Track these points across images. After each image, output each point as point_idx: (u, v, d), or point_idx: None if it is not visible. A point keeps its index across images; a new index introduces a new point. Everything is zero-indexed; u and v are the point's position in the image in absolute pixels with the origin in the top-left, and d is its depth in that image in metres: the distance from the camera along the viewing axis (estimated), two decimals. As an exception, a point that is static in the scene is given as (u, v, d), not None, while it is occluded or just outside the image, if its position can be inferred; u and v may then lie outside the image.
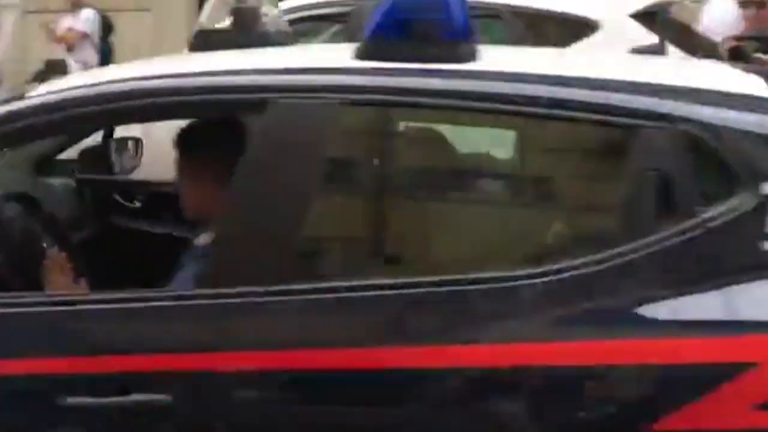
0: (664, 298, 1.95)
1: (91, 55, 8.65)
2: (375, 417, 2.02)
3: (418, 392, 1.97)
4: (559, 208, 2.56)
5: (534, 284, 1.96)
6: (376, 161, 2.73)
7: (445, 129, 2.73)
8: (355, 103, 2.18)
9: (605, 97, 2.08)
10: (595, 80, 2.16)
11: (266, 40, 2.60)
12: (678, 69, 2.65)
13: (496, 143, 2.85)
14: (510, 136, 2.76)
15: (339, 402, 2.01)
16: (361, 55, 2.24)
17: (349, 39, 3.55)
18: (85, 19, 8.56)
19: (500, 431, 1.95)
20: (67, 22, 8.63)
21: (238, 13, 2.73)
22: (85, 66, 7.88)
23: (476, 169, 2.90)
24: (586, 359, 1.91)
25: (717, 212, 1.94)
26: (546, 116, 2.14)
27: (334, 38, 5.65)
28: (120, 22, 9.50)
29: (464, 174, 2.88)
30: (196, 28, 2.78)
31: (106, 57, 8.89)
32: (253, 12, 2.72)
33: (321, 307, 2.03)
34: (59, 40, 8.57)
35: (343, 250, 2.45)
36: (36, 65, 7.53)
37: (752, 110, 2.06)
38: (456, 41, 2.20)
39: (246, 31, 2.69)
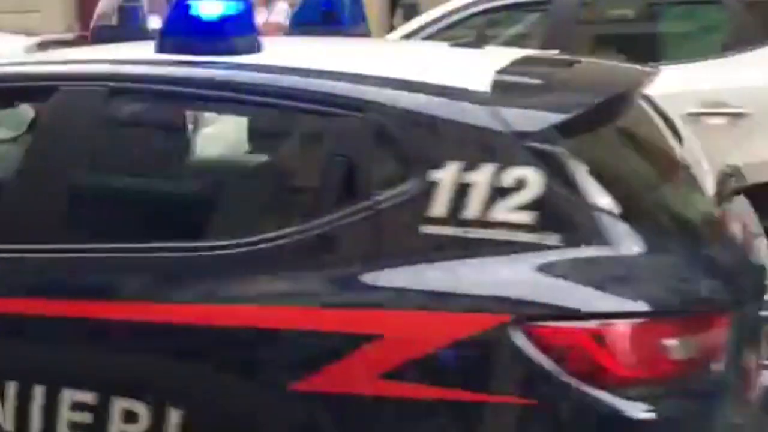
0: (320, 272, 2.16)
1: None
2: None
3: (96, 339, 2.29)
4: (266, 187, 2.69)
5: (229, 253, 2.22)
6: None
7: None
8: (117, 91, 2.47)
9: (317, 85, 2.29)
10: (314, 71, 2.36)
11: (145, 35, 2.90)
12: (394, 57, 2.90)
13: (232, 127, 3.08)
14: (237, 120, 2.99)
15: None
16: (157, 49, 2.54)
17: (551, 28, 4.87)
18: (281, 11, 8.38)
19: (165, 381, 2.25)
20: (261, 16, 8.34)
21: (121, 11, 3.16)
22: None
23: (202, 150, 3.15)
24: (249, 322, 2.15)
25: (388, 196, 2.12)
26: (258, 103, 2.41)
27: (533, 27, 5.67)
28: None
29: (191, 155, 3.10)
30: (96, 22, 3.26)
31: None
32: (133, 10, 3.15)
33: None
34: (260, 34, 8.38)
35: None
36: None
37: (430, 100, 2.22)
38: (237, 36, 2.49)
39: (125, 27, 3.10)
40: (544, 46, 4.72)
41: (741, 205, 2.68)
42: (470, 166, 2.11)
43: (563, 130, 2.15)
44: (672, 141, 2.74)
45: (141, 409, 2.24)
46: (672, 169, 2.59)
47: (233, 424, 2.20)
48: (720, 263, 2.20)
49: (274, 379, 2.14)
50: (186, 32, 2.50)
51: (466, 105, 2.21)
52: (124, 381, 2.28)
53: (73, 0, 12.64)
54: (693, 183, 2.58)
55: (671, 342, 2.00)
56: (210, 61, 2.46)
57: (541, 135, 2.13)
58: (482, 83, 2.30)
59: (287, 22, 8.33)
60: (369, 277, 2.12)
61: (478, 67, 2.51)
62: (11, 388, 2.34)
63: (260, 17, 8.46)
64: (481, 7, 5.26)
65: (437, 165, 2.12)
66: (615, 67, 3.01)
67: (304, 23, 3.16)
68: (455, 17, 5.33)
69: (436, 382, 2.04)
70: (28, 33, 8.69)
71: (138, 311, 2.24)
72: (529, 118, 2.19)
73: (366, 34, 3.33)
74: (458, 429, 2.05)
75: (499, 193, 2.09)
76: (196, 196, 2.80)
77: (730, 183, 2.69)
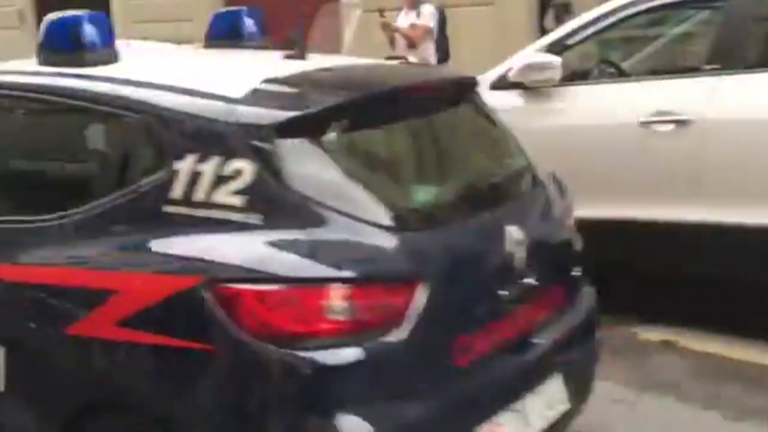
0: (93, 241, 2.76)
1: (431, 51, 8.31)
2: None
3: None
4: (71, 174, 3.20)
5: (40, 226, 2.88)
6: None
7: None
8: None
9: (116, 91, 2.87)
10: (123, 79, 2.93)
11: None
12: (202, 66, 3.39)
13: (53, 125, 3.38)
14: (57, 118, 3.28)
15: None
16: (38, 61, 3.22)
17: (722, 26, 4.86)
18: (429, 14, 8.27)
19: None
20: (408, 19, 8.31)
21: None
22: (424, 63, 7.62)
23: (30, 144, 3.41)
24: (45, 280, 2.79)
25: (147, 182, 2.69)
26: (70, 105, 3.02)
27: (701, 26, 5.60)
28: (457, 16, 9.04)
29: (22, 147, 3.42)
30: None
31: (445, 53, 8.55)
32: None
33: None
34: (405, 37, 8.24)
35: None
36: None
37: (184, 101, 2.73)
38: (89, 51, 3.10)
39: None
40: (714, 46, 4.84)
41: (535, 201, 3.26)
42: (202, 158, 2.61)
43: (282, 128, 2.58)
44: (458, 140, 3.24)
45: None
46: (426, 164, 3.09)
47: (39, 359, 2.84)
48: (413, 246, 2.59)
49: (58, 325, 2.75)
50: (48, 47, 3.21)
51: (208, 106, 2.70)
52: None
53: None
54: (444, 177, 3.06)
55: (333, 304, 2.40)
56: (49, 72, 3.14)
57: (260, 133, 2.59)
58: (244, 88, 2.75)
59: (433, 24, 8.19)
60: (122, 246, 2.73)
61: (259, 74, 2.90)
62: None
63: (407, 19, 8.31)
64: (643, 6, 4.99)
65: (180, 156, 2.64)
66: (404, 69, 3.80)
67: (216, 38, 3.76)
68: (613, 18, 5.06)
69: (153, 329, 2.55)
70: (180, 42, 8.85)
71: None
72: (254, 117, 2.63)
73: (265, 46, 3.75)
74: (166, 365, 2.58)
75: (220, 180, 2.58)
76: (19, 181, 3.32)
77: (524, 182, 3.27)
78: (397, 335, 2.49)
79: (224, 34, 3.75)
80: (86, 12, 3.20)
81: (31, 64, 3.28)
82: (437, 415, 2.60)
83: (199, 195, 2.61)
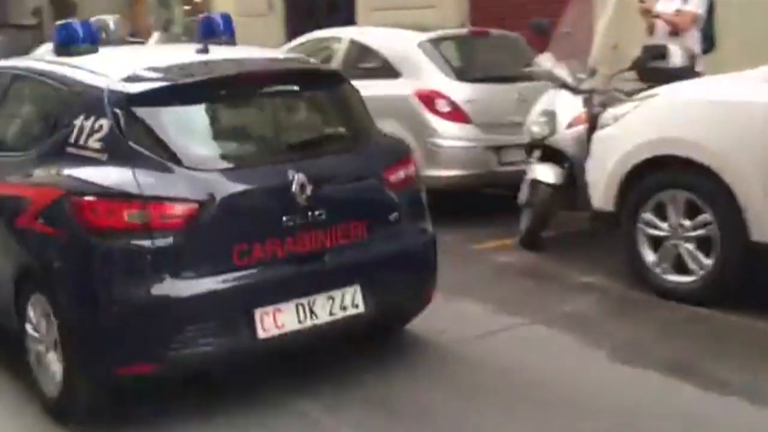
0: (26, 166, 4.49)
1: (696, 39, 7.50)
2: None
3: None
4: (35, 125, 4.96)
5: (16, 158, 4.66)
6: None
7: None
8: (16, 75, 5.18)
9: (68, 73, 4.60)
10: (76, 66, 4.64)
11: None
12: (134, 56, 5.31)
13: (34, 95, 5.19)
14: (37, 90, 5.06)
15: None
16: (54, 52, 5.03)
17: None
18: (695, 1, 7.44)
19: None
20: (672, 4, 7.51)
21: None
22: (687, 52, 6.97)
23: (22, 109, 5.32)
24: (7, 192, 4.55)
25: (63, 132, 4.36)
26: (44, 82, 4.84)
27: None
28: (727, 3, 8.28)
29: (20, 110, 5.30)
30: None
31: (711, 42, 7.88)
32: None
33: None
34: (669, 23, 7.44)
35: None
36: (635, 51, 7.16)
37: (86, 80, 4.46)
38: (75, 46, 4.83)
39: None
40: None
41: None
42: (87, 117, 4.21)
43: (131, 99, 4.15)
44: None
45: None
46: (240, 129, 4.69)
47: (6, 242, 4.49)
48: (195, 180, 4.02)
49: (12, 218, 4.40)
50: (57, 43, 4.96)
51: (97, 82, 4.35)
52: None
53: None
54: (250, 139, 4.68)
55: (132, 212, 3.89)
56: (48, 59, 5.06)
57: (117, 101, 4.16)
58: (127, 71, 4.38)
59: (702, 11, 7.30)
60: (46, 171, 4.30)
61: (152, 62, 4.59)
62: None
63: (671, 5, 7.49)
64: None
65: (77, 116, 4.27)
66: (264, 62, 5.13)
67: (205, 36, 5.02)
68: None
69: (44, 222, 4.15)
70: (421, 29, 8.48)
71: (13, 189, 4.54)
72: (116, 91, 4.22)
73: (231, 42, 5.28)
74: (47, 245, 4.18)
75: (92, 132, 4.16)
76: (10, 132, 5.14)
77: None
78: (179, 235, 3.92)
79: (207, 33, 5.09)
80: (80, 20, 5.10)
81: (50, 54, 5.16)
82: (218, 291, 4.00)
83: (81, 141, 4.21)
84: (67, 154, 4.23)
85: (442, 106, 7.78)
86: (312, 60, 6.18)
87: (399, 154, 4.83)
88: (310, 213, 4.20)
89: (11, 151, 4.83)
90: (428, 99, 7.80)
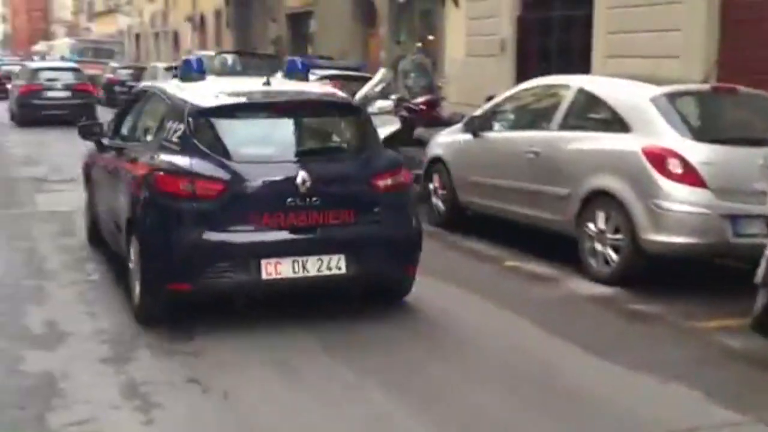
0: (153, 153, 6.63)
1: None
2: None
3: None
4: (156, 126, 7.06)
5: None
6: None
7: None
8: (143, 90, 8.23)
9: (173, 92, 6.98)
10: (174, 91, 7.01)
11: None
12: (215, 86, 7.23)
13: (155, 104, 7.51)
14: (154, 100, 7.51)
15: None
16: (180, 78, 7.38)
17: None
18: None
19: None
20: None
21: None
22: None
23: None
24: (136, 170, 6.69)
25: (167, 132, 6.53)
26: (152, 95, 7.61)
27: None
28: None
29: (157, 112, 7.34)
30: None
31: None
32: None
33: None
34: None
35: None
36: None
37: (182, 99, 6.61)
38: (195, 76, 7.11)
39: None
40: None
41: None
42: (174, 122, 6.40)
43: (199, 113, 6.27)
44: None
45: None
46: (270, 138, 6.61)
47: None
48: (229, 169, 6.07)
49: (126, 186, 6.77)
50: (180, 72, 7.36)
51: (183, 101, 6.50)
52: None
53: (717, 17, 11.34)
54: (275, 145, 6.53)
55: (187, 185, 5.96)
56: (168, 84, 7.43)
57: (191, 114, 6.24)
58: (205, 95, 6.61)
59: None
60: (154, 157, 6.36)
61: (225, 90, 6.91)
62: None
63: None
64: None
65: (174, 121, 6.42)
66: (295, 93, 7.06)
67: (290, 72, 7.68)
68: None
69: (140, 188, 6.37)
70: (658, 81, 7.82)
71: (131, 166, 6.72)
72: (192, 107, 6.32)
73: (304, 78, 7.64)
74: (140, 202, 6.37)
75: (175, 131, 6.29)
76: (141, 126, 7.49)
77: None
78: (214, 202, 5.94)
79: (291, 70, 7.66)
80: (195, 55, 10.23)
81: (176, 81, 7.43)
82: (237, 242, 5.98)
83: (169, 137, 6.34)
84: (161, 146, 6.44)
85: (674, 166, 7.10)
86: (342, 94, 7.69)
87: (390, 166, 6.57)
88: (307, 199, 6.08)
89: (138, 141, 7.33)
90: (658, 158, 7.14)
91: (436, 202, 9.78)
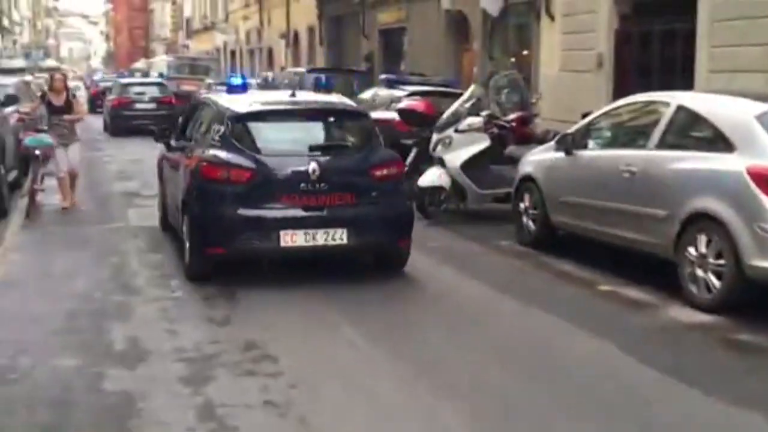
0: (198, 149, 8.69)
1: None
2: None
3: None
4: (204, 128, 8.99)
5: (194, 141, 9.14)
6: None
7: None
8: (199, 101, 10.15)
9: (216, 100, 9.24)
10: (225, 101, 8.85)
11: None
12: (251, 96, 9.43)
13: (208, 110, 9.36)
14: (204, 107, 9.69)
15: None
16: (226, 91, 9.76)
17: None
18: None
19: None
20: None
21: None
22: None
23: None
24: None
25: (207, 131, 8.66)
26: (203, 102, 9.99)
27: None
28: None
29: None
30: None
31: None
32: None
33: None
34: None
35: None
36: None
37: (225, 106, 8.53)
38: (234, 90, 9.31)
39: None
40: None
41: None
42: (217, 124, 8.23)
43: (237, 117, 8.07)
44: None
45: None
46: (293, 137, 8.24)
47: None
48: (258, 160, 7.76)
49: (181, 176, 8.64)
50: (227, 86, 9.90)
51: (226, 107, 8.34)
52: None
53: None
54: (296, 142, 8.08)
55: (225, 173, 7.76)
56: (221, 96, 9.39)
57: (230, 117, 8.06)
58: (243, 103, 8.43)
59: None
60: (202, 151, 8.20)
61: (259, 100, 9.02)
62: None
63: None
64: None
65: (215, 122, 8.40)
66: (316, 101, 9.05)
67: (317, 86, 10.73)
68: None
69: (189, 175, 8.23)
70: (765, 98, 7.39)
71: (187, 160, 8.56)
72: (231, 112, 8.15)
73: (328, 90, 9.86)
74: (183, 186, 8.46)
75: (216, 131, 8.14)
76: (194, 129, 9.28)
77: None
78: (245, 186, 7.61)
79: (318, 85, 10.54)
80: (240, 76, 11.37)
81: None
82: (261, 216, 7.62)
83: (214, 136, 8.08)
84: (208, 143, 8.21)
85: (781, 187, 6.67)
86: (349, 102, 9.43)
87: (385, 160, 8.19)
88: (317, 184, 7.63)
89: (191, 141, 9.02)
90: (765, 178, 6.72)
91: (527, 221, 9.47)
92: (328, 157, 7.84)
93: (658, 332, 6.62)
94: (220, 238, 7.63)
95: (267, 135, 8.03)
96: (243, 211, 7.57)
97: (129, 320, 6.83)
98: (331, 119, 8.50)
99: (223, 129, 7.99)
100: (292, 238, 7.56)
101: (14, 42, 65.79)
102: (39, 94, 14.24)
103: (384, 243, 8.04)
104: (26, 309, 7.14)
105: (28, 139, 11.80)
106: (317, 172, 7.58)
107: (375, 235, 7.85)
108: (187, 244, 7.99)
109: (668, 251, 7.41)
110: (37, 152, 11.57)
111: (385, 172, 7.98)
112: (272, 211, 7.62)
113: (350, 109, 8.92)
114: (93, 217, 11.50)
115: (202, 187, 7.79)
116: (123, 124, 25.10)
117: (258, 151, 7.79)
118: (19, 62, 48.73)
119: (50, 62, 59.92)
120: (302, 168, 7.61)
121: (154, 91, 26.88)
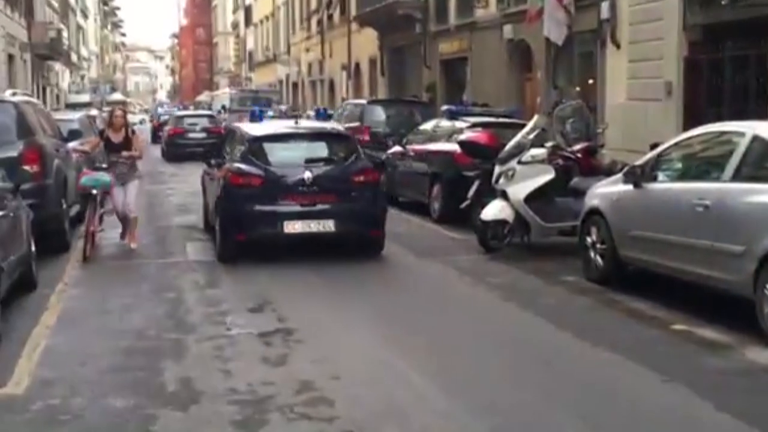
0: None
1: None
2: None
3: None
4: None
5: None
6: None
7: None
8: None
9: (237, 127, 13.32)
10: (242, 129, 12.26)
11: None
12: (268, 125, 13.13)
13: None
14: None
15: None
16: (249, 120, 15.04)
17: None
18: None
19: None
20: None
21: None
22: None
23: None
24: None
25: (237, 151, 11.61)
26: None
27: None
28: None
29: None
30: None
31: None
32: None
33: None
34: None
35: None
36: None
37: (243, 131, 11.95)
38: (256, 119, 13.44)
39: None
40: None
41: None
42: (239, 145, 11.32)
43: (254, 140, 10.99)
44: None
45: None
46: (294, 153, 11.16)
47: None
48: (266, 170, 10.62)
49: (217, 188, 11.40)
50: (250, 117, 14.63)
51: (246, 133, 11.38)
52: None
53: None
54: (295, 157, 10.93)
55: (244, 182, 10.63)
56: (242, 124, 14.02)
57: (248, 140, 11.00)
58: (259, 129, 11.67)
59: None
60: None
61: (272, 127, 12.59)
62: None
63: None
64: None
65: (238, 145, 11.45)
66: (312, 128, 12.64)
67: (317, 116, 17.43)
68: None
69: (220, 185, 11.07)
70: None
71: (220, 172, 11.53)
72: (249, 136, 11.15)
73: (327, 119, 17.46)
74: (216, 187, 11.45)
75: (238, 151, 11.13)
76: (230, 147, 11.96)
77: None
78: (258, 188, 10.39)
79: (319, 115, 17.08)
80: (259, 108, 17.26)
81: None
82: (270, 210, 10.33)
83: (235, 154, 11.17)
84: (234, 159, 10.90)
85: None
86: (340, 127, 13.60)
87: (363, 169, 10.73)
88: (311, 187, 10.24)
89: (224, 158, 11.65)
90: None
91: (594, 256, 9.12)
92: (319, 167, 10.56)
93: (736, 375, 6.22)
94: (242, 228, 10.27)
95: (274, 151, 10.83)
96: (258, 208, 10.18)
97: (183, 359, 6.66)
98: (323, 140, 11.54)
99: (243, 148, 10.88)
100: (293, 227, 10.17)
101: (82, 77, 67.29)
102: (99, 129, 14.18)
103: (361, 231, 10.61)
104: (82, 347, 7.05)
105: (84, 178, 11.32)
106: (310, 178, 10.24)
107: (354, 225, 10.42)
108: (219, 234, 10.63)
109: (745, 289, 7.02)
110: (94, 192, 11.11)
111: (362, 178, 10.58)
112: (278, 207, 10.25)
113: (337, 132, 12.30)
114: (151, 252, 11.47)
115: (228, 190, 10.45)
116: (177, 150, 28.70)
117: (268, 163, 10.59)
118: (84, 97, 49.72)
119: (117, 96, 61.13)
120: (299, 175, 10.28)
121: (204, 122, 30.36)
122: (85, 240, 10.94)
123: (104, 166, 11.42)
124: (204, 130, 29.50)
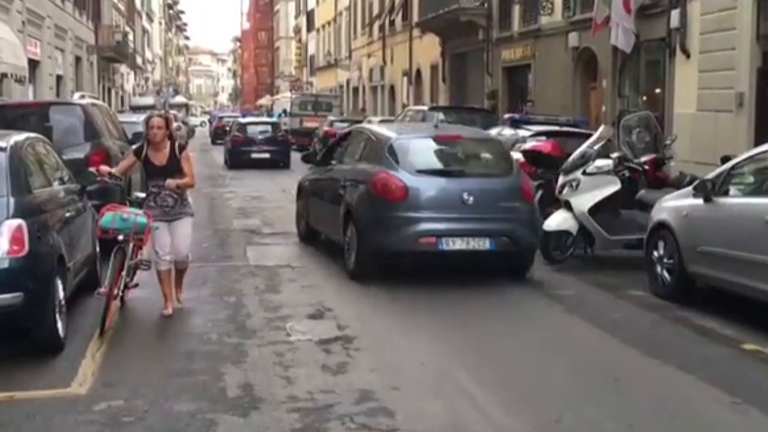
0: None
1: None
2: None
3: None
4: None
5: None
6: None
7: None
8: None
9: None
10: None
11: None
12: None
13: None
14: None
15: None
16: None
17: None
18: None
19: None
20: None
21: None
22: None
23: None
24: None
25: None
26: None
27: None
28: None
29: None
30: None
31: None
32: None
33: None
34: None
35: None
36: None
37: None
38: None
39: None
40: None
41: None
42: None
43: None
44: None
45: None
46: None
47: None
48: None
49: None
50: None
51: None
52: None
53: None
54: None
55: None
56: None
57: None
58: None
59: None
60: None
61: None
62: None
63: None
64: None
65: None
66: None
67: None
68: None
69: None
70: None
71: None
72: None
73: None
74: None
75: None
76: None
77: None
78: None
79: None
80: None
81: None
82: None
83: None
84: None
85: None
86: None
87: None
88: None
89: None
90: None
91: (661, 271, 8.91)
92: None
93: (812, 399, 6.01)
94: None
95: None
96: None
97: (243, 364, 6.64)
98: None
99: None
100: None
101: (146, 80, 68.30)
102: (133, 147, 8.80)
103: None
104: (144, 349, 7.09)
105: (105, 217, 7.75)
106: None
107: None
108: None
109: (821, 309, 6.79)
110: (120, 237, 7.65)
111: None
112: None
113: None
114: (212, 255, 11.48)
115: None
116: (240, 158, 28.12)
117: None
118: (148, 99, 50.49)
119: (179, 99, 61.94)
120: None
121: (267, 129, 29.79)
122: (106, 306, 7.41)
123: (142, 195, 8.15)
124: (267, 139, 28.53)
